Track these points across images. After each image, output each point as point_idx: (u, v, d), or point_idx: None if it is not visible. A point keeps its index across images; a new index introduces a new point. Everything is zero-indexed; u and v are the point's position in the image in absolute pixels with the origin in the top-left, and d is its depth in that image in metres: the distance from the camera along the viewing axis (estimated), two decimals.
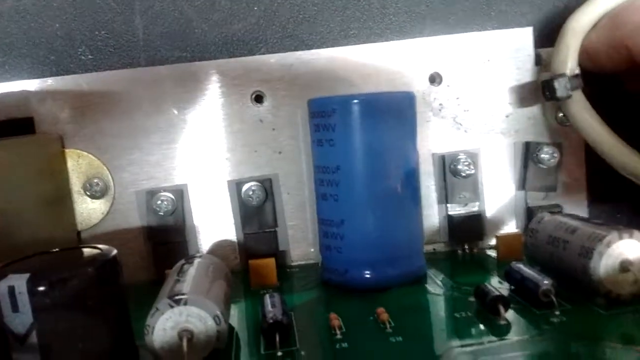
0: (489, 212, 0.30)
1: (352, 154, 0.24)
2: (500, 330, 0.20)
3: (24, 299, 0.16)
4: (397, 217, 0.25)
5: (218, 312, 0.18)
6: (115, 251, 0.19)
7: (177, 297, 0.18)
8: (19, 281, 0.16)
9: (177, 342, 0.18)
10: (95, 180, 0.28)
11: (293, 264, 0.30)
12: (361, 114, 0.24)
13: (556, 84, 0.27)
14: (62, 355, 0.17)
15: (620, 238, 0.21)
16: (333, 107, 0.24)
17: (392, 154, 0.24)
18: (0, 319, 0.17)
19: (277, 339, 0.20)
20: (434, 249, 0.30)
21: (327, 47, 0.29)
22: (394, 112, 0.24)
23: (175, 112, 0.28)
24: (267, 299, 0.21)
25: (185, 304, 0.18)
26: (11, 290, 0.16)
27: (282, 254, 0.29)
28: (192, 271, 0.21)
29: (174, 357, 0.18)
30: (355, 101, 0.24)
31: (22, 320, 0.17)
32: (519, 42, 0.29)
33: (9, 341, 0.17)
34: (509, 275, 0.23)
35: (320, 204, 0.26)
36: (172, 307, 0.18)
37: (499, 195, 0.30)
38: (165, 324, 0.18)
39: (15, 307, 0.17)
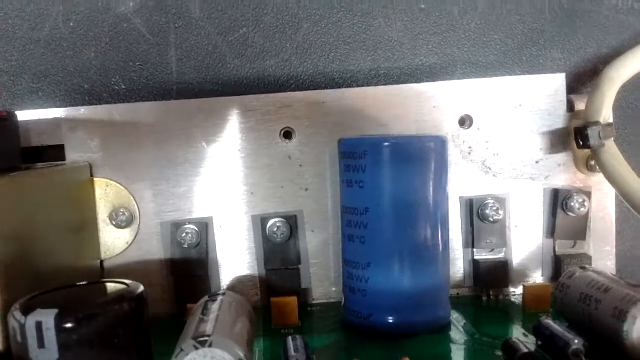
0: (516, 259, 0.29)
1: (382, 197, 0.24)
2: None
3: (50, 335, 0.16)
4: (424, 264, 0.24)
5: (242, 356, 0.18)
6: (142, 288, 0.19)
7: (201, 339, 0.18)
8: (47, 317, 0.16)
9: None
10: (122, 210, 0.28)
11: (314, 302, 0.29)
12: (393, 157, 0.24)
13: (589, 132, 0.27)
14: None
15: None
16: (365, 148, 0.24)
17: (423, 199, 0.24)
18: (26, 354, 0.17)
19: None
20: (458, 294, 0.29)
21: (358, 86, 0.29)
22: (426, 155, 0.24)
23: (205, 145, 0.29)
24: (290, 343, 0.21)
25: (210, 345, 0.18)
26: (39, 326, 0.16)
27: (304, 292, 0.29)
28: (215, 309, 0.21)
29: None
30: (387, 144, 0.24)
31: (47, 356, 0.16)
32: (551, 87, 0.29)
33: None
34: (537, 331, 0.22)
35: (346, 245, 0.26)
36: (196, 348, 0.18)
37: (526, 242, 0.29)
38: None
39: (41, 343, 0.16)
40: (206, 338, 0.18)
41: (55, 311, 0.16)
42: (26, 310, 0.17)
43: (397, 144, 0.24)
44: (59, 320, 0.16)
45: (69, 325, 0.16)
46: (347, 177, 0.25)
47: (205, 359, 0.18)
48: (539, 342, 0.22)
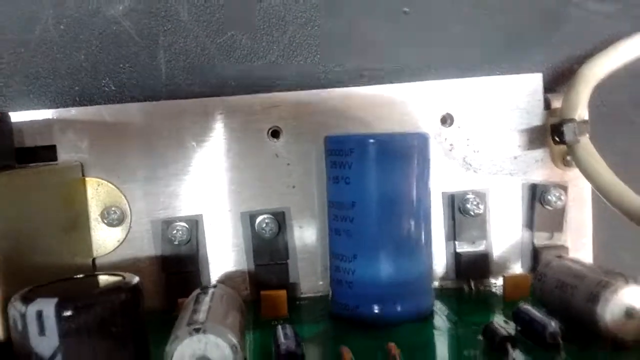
0: (496, 251, 0.30)
1: (367, 192, 0.25)
2: None
3: (50, 323, 0.17)
4: (408, 255, 0.25)
5: (235, 342, 0.19)
6: (137, 279, 0.19)
7: (196, 326, 0.19)
8: (47, 306, 0.17)
9: None
10: (113, 209, 0.29)
11: (302, 296, 0.30)
12: (377, 153, 0.25)
13: (565, 129, 0.28)
14: None
15: (626, 285, 0.21)
16: (350, 146, 0.25)
17: (406, 194, 0.25)
18: (27, 342, 0.17)
19: None
20: (441, 285, 0.30)
21: (343, 86, 0.30)
22: (409, 152, 0.25)
23: (194, 144, 0.29)
24: (280, 330, 0.22)
25: (205, 332, 0.19)
26: (39, 314, 0.17)
27: (293, 286, 0.30)
28: (207, 301, 0.22)
29: None
30: (372, 141, 0.25)
31: (48, 343, 0.17)
32: (529, 87, 0.30)
33: None
34: (516, 316, 0.23)
35: (333, 239, 0.26)
36: (191, 335, 0.19)
37: (506, 234, 0.30)
38: (184, 352, 0.19)
39: (42, 331, 0.17)
40: (200, 325, 0.19)
41: (55, 300, 0.17)
42: (26, 300, 0.17)
43: (382, 141, 0.25)
44: (59, 309, 0.17)
45: (69, 313, 0.17)
46: (333, 173, 0.26)
47: (199, 345, 0.19)
48: (519, 328, 0.23)
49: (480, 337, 0.23)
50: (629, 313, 0.21)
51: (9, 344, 0.19)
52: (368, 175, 0.25)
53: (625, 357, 0.21)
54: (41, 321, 0.17)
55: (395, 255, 0.25)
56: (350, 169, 0.25)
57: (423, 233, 0.26)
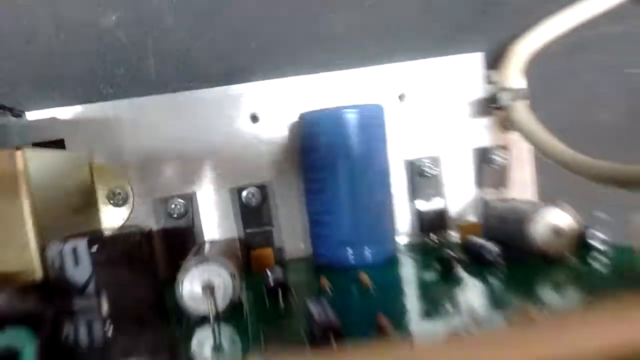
0: (452, 207, 0.35)
1: (336, 156, 0.29)
2: (458, 282, 0.25)
3: (84, 256, 0.21)
4: (374, 209, 0.30)
5: (234, 271, 0.23)
6: (150, 227, 0.24)
7: (201, 259, 0.23)
8: (81, 243, 0.21)
9: (201, 294, 0.23)
10: (118, 191, 0.33)
11: (287, 258, 0.35)
12: (343, 123, 0.29)
13: (501, 97, 0.33)
14: (114, 300, 0.22)
15: (553, 208, 0.26)
16: (319, 119, 0.30)
17: (368, 155, 0.30)
18: (64, 274, 0.21)
19: (280, 294, 0.24)
20: (406, 240, 0.35)
21: (314, 73, 0.35)
22: (368, 121, 0.30)
23: (187, 131, 0.34)
24: (269, 271, 0.26)
25: (208, 262, 0.23)
26: (74, 250, 0.21)
27: (278, 250, 0.34)
28: (208, 247, 0.26)
29: (198, 307, 0.23)
30: (337, 113, 0.29)
31: (82, 273, 0.21)
32: (472, 64, 0.35)
33: (71, 291, 0.21)
34: (466, 247, 0.28)
35: (309, 199, 0.31)
36: (197, 266, 0.23)
37: (460, 192, 0.35)
38: (192, 279, 0.23)
39: (76, 263, 0.21)
40: (204, 258, 0.23)
41: (86, 239, 0.21)
42: (63, 241, 0.22)
43: (344, 112, 0.30)
44: (90, 244, 0.21)
45: (98, 247, 0.21)
46: (306, 143, 0.30)
47: (204, 275, 0.23)
48: (469, 258, 0.28)
49: (437, 265, 0.27)
50: (555, 231, 0.26)
51: (45, 283, 0.23)
52: (335, 141, 0.29)
53: (553, 269, 0.26)
54: (76, 255, 0.21)
55: (363, 210, 0.30)
56: (319, 137, 0.30)
57: (384, 188, 0.31)
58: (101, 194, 0.33)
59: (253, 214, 0.34)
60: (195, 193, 0.34)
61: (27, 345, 0.19)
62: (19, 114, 0.30)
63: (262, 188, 0.34)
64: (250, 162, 0.34)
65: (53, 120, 0.33)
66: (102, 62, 0.35)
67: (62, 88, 0.35)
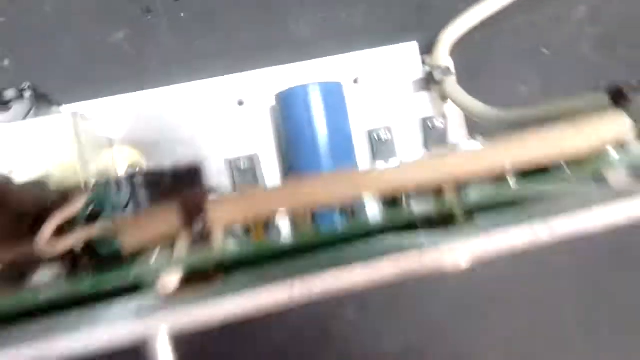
0: None
1: (309, 126, 0.38)
2: None
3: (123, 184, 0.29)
4: (343, 164, 0.38)
5: None
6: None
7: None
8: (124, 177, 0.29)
9: None
10: (135, 167, 0.41)
11: None
12: (312, 96, 0.38)
13: (434, 73, 0.42)
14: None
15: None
16: (291, 96, 0.38)
17: (335, 122, 0.38)
18: (108, 198, 0.29)
19: None
20: None
21: (289, 63, 0.43)
22: (331, 93, 0.39)
23: (190, 117, 0.42)
24: None
25: None
26: (117, 182, 0.29)
27: None
28: None
29: None
30: (308, 89, 0.38)
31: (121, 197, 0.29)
32: (411, 52, 0.44)
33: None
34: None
35: (290, 162, 0.39)
36: None
37: (410, 153, 0.44)
38: None
39: (118, 189, 0.29)
40: None
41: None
42: (101, 177, 0.30)
43: (312, 88, 0.38)
44: (129, 175, 0.29)
45: (134, 177, 0.29)
46: (283, 116, 0.39)
47: None
48: None
49: None
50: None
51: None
52: (305, 114, 0.38)
53: None
54: (120, 184, 0.29)
55: (333, 166, 0.38)
56: (293, 110, 0.38)
57: (350, 153, 0.39)
58: (120, 171, 0.41)
59: (244, 178, 0.42)
60: (201, 162, 0.42)
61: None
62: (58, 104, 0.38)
63: (251, 158, 0.42)
64: (240, 138, 0.43)
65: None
66: (112, 68, 0.43)
67: (86, 92, 0.43)
